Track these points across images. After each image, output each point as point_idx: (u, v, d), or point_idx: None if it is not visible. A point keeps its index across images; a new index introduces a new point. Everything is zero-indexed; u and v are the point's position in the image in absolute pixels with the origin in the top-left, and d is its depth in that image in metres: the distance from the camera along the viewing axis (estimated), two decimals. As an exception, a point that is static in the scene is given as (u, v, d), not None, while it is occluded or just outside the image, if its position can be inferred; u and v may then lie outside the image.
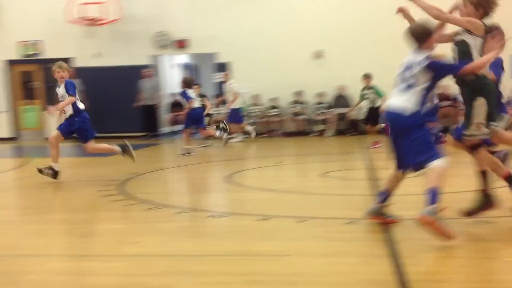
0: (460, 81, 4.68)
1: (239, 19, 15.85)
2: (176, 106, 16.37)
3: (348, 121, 15.59)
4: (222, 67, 16.05)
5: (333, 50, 15.55)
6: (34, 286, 3.65)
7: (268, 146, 13.59)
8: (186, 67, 19.63)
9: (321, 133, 15.62)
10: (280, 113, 16.13)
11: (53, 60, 17.14)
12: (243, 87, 14.62)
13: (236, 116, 14.14)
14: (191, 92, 11.73)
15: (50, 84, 17.13)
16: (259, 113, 16.16)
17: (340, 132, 15.36)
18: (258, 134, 15.07)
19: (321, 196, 6.76)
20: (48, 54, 16.88)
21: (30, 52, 17.00)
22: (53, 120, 16.49)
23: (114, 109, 15.36)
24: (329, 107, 15.74)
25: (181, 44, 16.44)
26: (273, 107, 16.22)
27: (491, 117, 4.57)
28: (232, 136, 12.86)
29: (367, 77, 11.92)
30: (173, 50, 16.71)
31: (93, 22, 15.78)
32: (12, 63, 17.22)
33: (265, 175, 9.16)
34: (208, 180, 8.89)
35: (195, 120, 11.58)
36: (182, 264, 4.02)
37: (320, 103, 15.83)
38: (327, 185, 7.76)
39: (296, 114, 16.04)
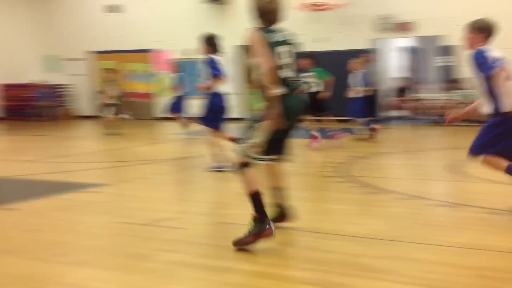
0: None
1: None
2: (401, 91, 16.31)
3: None
4: (445, 51, 15.35)
5: None
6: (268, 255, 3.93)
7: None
8: (404, 50, 19.15)
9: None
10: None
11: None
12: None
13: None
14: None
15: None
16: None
17: None
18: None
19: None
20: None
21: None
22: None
23: (334, 93, 15.61)
24: None
25: (404, 27, 16.07)
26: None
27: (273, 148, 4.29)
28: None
29: None
30: (395, 33, 16.42)
31: (317, 7, 16.24)
32: (241, 48, 18.48)
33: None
34: (428, 167, 8.63)
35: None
36: (405, 250, 3.99)
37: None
38: None
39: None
